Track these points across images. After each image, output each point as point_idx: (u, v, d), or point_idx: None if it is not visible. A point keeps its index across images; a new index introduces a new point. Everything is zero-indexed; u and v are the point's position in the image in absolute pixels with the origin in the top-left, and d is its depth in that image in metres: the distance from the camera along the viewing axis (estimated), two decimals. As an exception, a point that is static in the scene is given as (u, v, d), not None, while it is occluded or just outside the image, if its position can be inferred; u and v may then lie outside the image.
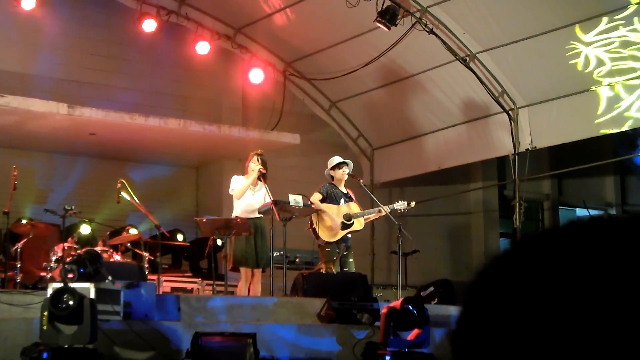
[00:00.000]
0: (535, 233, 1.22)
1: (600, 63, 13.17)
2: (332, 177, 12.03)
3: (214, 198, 16.07)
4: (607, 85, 13.31)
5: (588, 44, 13.06)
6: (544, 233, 1.22)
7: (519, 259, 1.20)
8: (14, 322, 8.76)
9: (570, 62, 13.35)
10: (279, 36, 15.91)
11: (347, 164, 12.03)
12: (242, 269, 11.41)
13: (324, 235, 11.71)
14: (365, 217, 11.92)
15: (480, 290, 1.21)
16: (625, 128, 13.34)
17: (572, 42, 13.12)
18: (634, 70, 13.03)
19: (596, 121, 13.52)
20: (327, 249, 11.78)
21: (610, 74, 13.22)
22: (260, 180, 11.49)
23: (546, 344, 1.11)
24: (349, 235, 11.90)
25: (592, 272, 1.12)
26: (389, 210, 11.77)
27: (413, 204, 12.06)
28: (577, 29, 12.94)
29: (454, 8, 13.69)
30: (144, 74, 16.14)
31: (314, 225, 11.71)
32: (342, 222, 11.70)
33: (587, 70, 13.31)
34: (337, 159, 12.08)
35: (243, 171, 11.75)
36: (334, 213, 11.74)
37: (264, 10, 15.21)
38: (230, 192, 11.60)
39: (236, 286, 11.92)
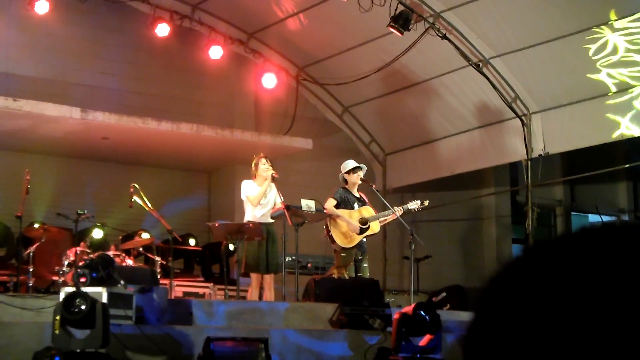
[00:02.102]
0: (547, 239, 1.21)
1: (613, 51, 13.02)
2: (346, 181, 12.00)
3: (226, 203, 16.07)
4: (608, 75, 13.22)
5: (615, 30, 12.85)
6: (556, 239, 1.21)
7: (531, 265, 1.19)
8: (26, 326, 8.78)
9: (584, 46, 13.20)
10: (291, 41, 15.92)
11: (361, 168, 12.01)
12: (253, 275, 11.41)
13: (340, 241, 11.66)
14: (381, 219, 11.90)
15: (492, 296, 1.20)
16: (627, 117, 13.18)
17: (601, 25, 12.88)
18: (637, 63, 12.93)
19: (606, 102, 13.43)
20: (343, 254, 11.76)
21: (615, 64, 13.10)
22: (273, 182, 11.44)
23: (558, 351, 1.10)
24: (364, 240, 11.89)
25: (605, 279, 1.12)
26: (403, 211, 11.76)
27: (426, 202, 12.05)
28: (612, 14, 12.72)
29: (467, 13, 13.67)
30: (156, 78, 16.16)
31: (330, 232, 11.68)
32: (359, 227, 11.67)
33: (595, 57, 13.17)
34: (352, 163, 12.05)
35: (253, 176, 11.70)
36: (349, 218, 11.70)
37: (277, 15, 15.22)
38: (244, 199, 11.55)
39: (247, 291, 11.89)
